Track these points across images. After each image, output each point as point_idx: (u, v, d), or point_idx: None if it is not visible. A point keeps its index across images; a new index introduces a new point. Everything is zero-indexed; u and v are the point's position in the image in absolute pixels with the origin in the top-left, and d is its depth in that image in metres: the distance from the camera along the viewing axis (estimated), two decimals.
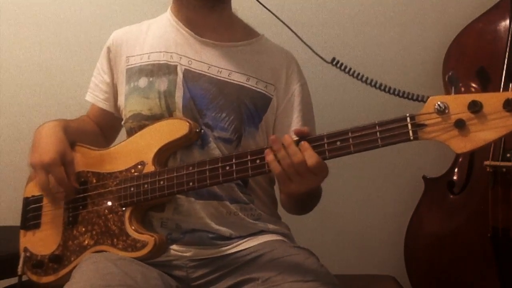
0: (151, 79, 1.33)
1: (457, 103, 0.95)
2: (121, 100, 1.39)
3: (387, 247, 2.04)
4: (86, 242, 1.28)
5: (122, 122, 1.38)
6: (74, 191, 1.31)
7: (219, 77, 1.33)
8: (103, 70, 1.45)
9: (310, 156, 1.06)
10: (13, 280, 1.45)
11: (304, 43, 1.29)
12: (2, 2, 2.13)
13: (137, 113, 1.32)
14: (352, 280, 1.70)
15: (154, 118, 1.30)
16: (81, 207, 1.31)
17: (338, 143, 1.05)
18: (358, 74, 1.15)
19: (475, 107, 0.93)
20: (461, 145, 0.95)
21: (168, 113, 1.30)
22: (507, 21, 1.79)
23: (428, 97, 0.99)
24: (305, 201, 1.29)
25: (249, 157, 1.13)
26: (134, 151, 1.29)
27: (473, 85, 1.77)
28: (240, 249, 1.30)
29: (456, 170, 1.83)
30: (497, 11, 1.83)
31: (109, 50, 1.44)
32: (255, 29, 1.45)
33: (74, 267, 1.23)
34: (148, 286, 1.14)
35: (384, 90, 1.12)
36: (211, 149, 1.29)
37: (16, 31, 2.13)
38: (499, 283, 1.70)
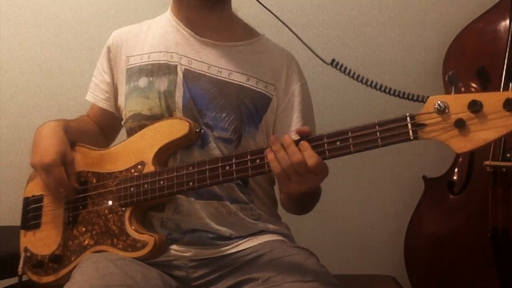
0: (151, 79, 1.33)
1: (457, 103, 0.95)
2: (121, 100, 1.39)
3: (387, 247, 2.04)
4: (86, 242, 1.28)
5: (122, 122, 1.38)
6: (74, 191, 1.31)
7: (219, 77, 1.33)
8: (103, 70, 1.45)
9: (310, 156, 1.06)
10: (13, 280, 1.46)
11: (305, 44, 1.29)
12: (2, 2, 2.13)
13: (137, 113, 1.32)
14: (352, 280, 1.70)
15: (154, 118, 1.30)
16: (81, 207, 1.31)
17: (338, 143, 1.05)
18: (358, 75, 1.15)
19: (475, 107, 0.93)
20: (461, 144, 0.95)
21: (168, 113, 1.30)
22: (507, 21, 1.79)
23: (427, 97, 0.99)
24: (305, 201, 1.29)
25: (249, 157, 1.13)
26: (134, 151, 1.29)
27: (473, 85, 1.77)
28: (240, 249, 1.30)
29: (456, 170, 1.83)
30: (497, 11, 1.83)
31: (109, 50, 1.44)
32: (255, 29, 1.45)
33: (74, 267, 1.23)
34: (148, 286, 1.14)
35: (383, 91, 1.12)
36: (211, 149, 1.29)
37: (16, 32, 2.13)
38: (499, 283, 1.70)
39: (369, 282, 1.74)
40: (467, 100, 0.94)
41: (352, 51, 2.01)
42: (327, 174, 1.10)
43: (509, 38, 1.75)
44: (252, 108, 1.33)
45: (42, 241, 1.35)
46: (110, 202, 1.27)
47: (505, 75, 1.71)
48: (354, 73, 1.16)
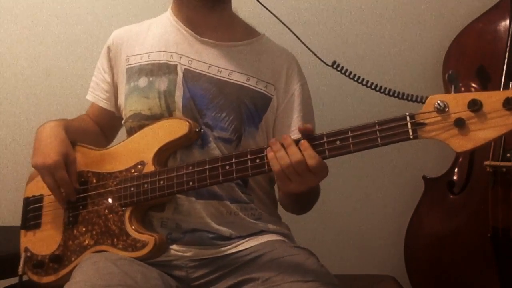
0: (151, 78, 1.33)
1: (457, 102, 0.95)
2: (121, 100, 1.39)
3: (387, 247, 2.04)
4: (86, 242, 1.28)
5: (122, 122, 1.38)
6: (74, 191, 1.31)
7: (219, 77, 1.32)
8: (104, 69, 1.45)
9: (310, 156, 1.06)
10: (14, 280, 1.46)
11: (306, 46, 1.29)
12: (2, 2, 2.13)
13: (137, 113, 1.32)
14: (352, 280, 1.70)
15: (154, 118, 1.30)
16: (81, 207, 1.31)
17: (338, 142, 1.05)
18: (359, 77, 1.16)
19: (474, 106, 0.93)
20: (461, 144, 0.95)
21: (168, 112, 1.30)
22: (507, 21, 1.79)
23: (426, 98, 0.99)
24: (304, 200, 1.30)
25: (249, 157, 1.13)
26: (134, 151, 1.29)
27: (473, 84, 1.77)
28: (240, 249, 1.30)
29: (456, 170, 1.83)
30: (497, 11, 1.83)
31: (109, 50, 1.44)
32: (255, 28, 1.45)
33: (75, 267, 1.23)
34: (148, 286, 1.14)
35: (383, 92, 1.12)
36: (211, 149, 1.29)
37: (16, 31, 2.13)
38: (499, 283, 1.70)
39: (369, 282, 1.74)
40: (466, 99, 0.94)
41: (352, 50, 2.01)
42: (326, 174, 1.09)
43: (509, 38, 1.75)
44: (252, 108, 1.33)
45: (42, 241, 1.35)
46: (110, 202, 1.27)
47: (505, 74, 1.71)
48: (355, 75, 1.16)
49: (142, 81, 1.33)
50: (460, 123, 0.94)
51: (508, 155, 1.68)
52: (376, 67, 1.98)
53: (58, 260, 1.31)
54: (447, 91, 1.77)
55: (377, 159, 2.00)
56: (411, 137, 0.99)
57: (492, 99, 0.93)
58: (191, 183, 1.18)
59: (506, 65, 1.72)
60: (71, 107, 1.93)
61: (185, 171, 1.19)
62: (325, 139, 1.06)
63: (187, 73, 1.32)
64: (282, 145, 1.08)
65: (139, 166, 1.26)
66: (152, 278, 1.17)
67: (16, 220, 1.42)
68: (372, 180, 2.06)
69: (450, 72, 1.01)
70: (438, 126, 0.96)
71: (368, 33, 2.03)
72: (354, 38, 2.03)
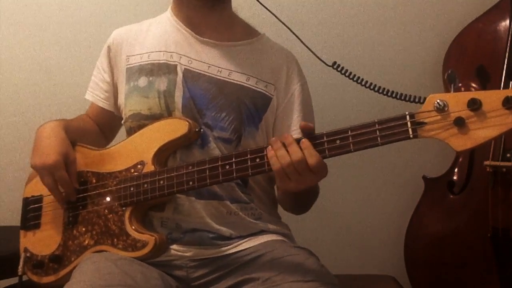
0: (150, 78, 1.33)
1: (457, 101, 0.95)
2: (121, 99, 1.39)
3: (387, 247, 2.04)
4: (86, 242, 1.28)
5: (122, 121, 1.38)
6: (74, 191, 1.31)
7: (219, 77, 1.32)
8: (103, 69, 1.45)
9: (311, 155, 1.06)
10: (13, 280, 1.46)
11: (306, 46, 1.30)
12: (2, 2, 2.13)
13: (136, 113, 1.32)
14: (352, 280, 1.70)
15: (153, 118, 1.30)
16: (81, 207, 1.31)
17: (338, 141, 1.05)
18: (359, 78, 1.16)
19: (474, 105, 0.93)
20: (461, 143, 0.95)
21: (168, 112, 1.30)
22: (507, 21, 1.79)
23: (425, 98, 0.99)
24: (303, 199, 1.30)
25: (248, 156, 1.13)
26: (134, 151, 1.29)
27: (473, 84, 1.77)
28: (240, 249, 1.29)
29: (456, 170, 1.83)
30: (497, 11, 1.83)
31: (109, 49, 1.44)
32: (255, 28, 1.45)
33: (75, 267, 1.23)
34: (148, 286, 1.14)
35: (382, 92, 1.12)
36: (211, 149, 1.29)
37: (16, 31, 2.13)
38: (499, 283, 1.70)
39: (369, 282, 1.74)
40: (466, 98, 0.94)
41: (352, 50, 2.01)
42: (326, 174, 1.09)
43: (509, 38, 1.76)
44: (252, 108, 1.33)
45: (42, 241, 1.35)
46: (110, 202, 1.27)
47: (505, 74, 1.71)
48: (355, 75, 1.17)
49: (142, 81, 1.33)
50: (459, 122, 0.94)
51: (508, 155, 1.68)
52: (376, 67, 1.98)
53: (58, 260, 1.31)
54: (447, 91, 1.76)
55: (377, 159, 2.00)
56: (411, 136, 0.99)
57: (491, 98, 0.93)
58: (191, 183, 1.18)
59: (506, 64, 1.72)
60: (71, 107, 1.93)
61: (185, 171, 1.19)
62: (325, 139, 1.06)
63: (187, 73, 1.32)
64: (283, 144, 1.08)
65: (139, 166, 1.26)
66: (152, 278, 1.17)
67: (16, 220, 1.42)
68: (372, 180, 2.06)
69: (449, 72, 1.01)
70: (438, 125, 0.96)
71: (368, 33, 2.03)
72: (354, 38, 2.03)
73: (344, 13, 2.03)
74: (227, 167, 1.14)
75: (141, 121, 1.31)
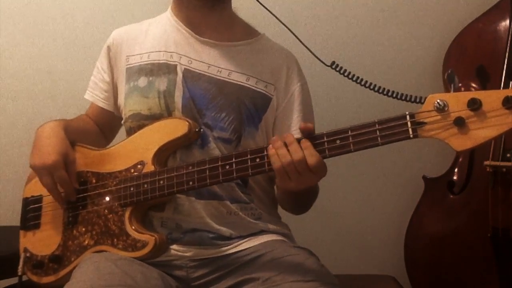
0: (150, 78, 1.33)
1: (457, 101, 0.95)
2: (121, 99, 1.39)
3: (387, 247, 2.04)
4: (86, 242, 1.28)
5: (122, 122, 1.38)
6: (74, 191, 1.31)
7: (218, 77, 1.32)
8: (103, 69, 1.44)
9: (311, 155, 1.06)
10: (13, 280, 1.46)
11: (305, 46, 1.29)
12: (2, 2, 2.13)
13: (136, 113, 1.32)
14: (352, 280, 1.70)
15: (153, 118, 1.30)
16: (81, 207, 1.31)
17: (338, 141, 1.05)
18: (358, 77, 1.16)
19: (474, 105, 0.93)
20: (461, 143, 0.95)
21: (168, 112, 1.30)
22: (507, 21, 1.80)
23: (425, 98, 0.99)
24: (302, 199, 1.30)
25: (248, 156, 1.13)
26: (134, 151, 1.29)
27: (473, 84, 1.78)
28: (240, 249, 1.29)
29: (456, 170, 1.83)
30: (497, 11, 1.84)
31: (109, 49, 1.43)
32: (255, 28, 1.45)
33: (74, 267, 1.23)
34: (148, 286, 1.14)
35: (381, 92, 1.12)
36: (211, 149, 1.28)
37: (16, 31, 2.13)
38: (499, 283, 1.70)
39: (369, 282, 1.75)
40: (466, 98, 0.94)
41: (352, 51, 2.01)
42: (325, 174, 1.09)
43: (509, 38, 1.76)
44: (252, 108, 1.33)
45: (42, 242, 1.35)
46: (110, 202, 1.27)
47: (505, 74, 1.71)
48: (354, 75, 1.17)
49: (142, 81, 1.33)
50: (459, 122, 0.94)
51: (508, 155, 1.68)
52: (376, 67, 1.98)
53: (57, 260, 1.31)
54: (447, 91, 1.77)
55: (377, 159, 2.00)
56: (411, 136, 0.99)
57: (491, 98, 0.93)
58: (191, 183, 1.18)
59: (506, 64, 1.72)
60: (71, 107, 1.93)
61: (185, 171, 1.19)
62: (325, 139, 1.06)
63: (187, 73, 1.32)
64: (284, 143, 1.08)
65: (139, 166, 1.26)
66: (152, 278, 1.17)
67: (16, 220, 1.42)
68: (372, 180, 2.06)
69: (449, 71, 1.01)
70: (438, 125, 0.96)
71: (368, 33, 2.03)
72: (354, 38, 2.03)
73: (344, 13, 2.03)
74: (227, 167, 1.14)
75: (141, 121, 1.31)
